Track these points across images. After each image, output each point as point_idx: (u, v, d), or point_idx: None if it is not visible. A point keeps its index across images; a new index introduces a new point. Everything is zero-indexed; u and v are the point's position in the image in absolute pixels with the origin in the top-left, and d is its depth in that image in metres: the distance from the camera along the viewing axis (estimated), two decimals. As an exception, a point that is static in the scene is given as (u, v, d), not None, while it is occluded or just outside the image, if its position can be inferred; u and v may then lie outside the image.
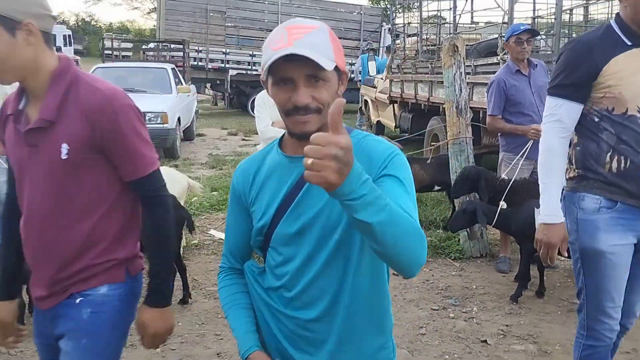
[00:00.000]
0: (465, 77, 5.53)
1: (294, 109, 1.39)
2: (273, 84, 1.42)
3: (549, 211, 2.44)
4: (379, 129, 12.03)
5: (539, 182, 2.48)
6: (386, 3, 26.81)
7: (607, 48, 2.30)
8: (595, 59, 2.30)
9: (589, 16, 8.77)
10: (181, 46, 15.33)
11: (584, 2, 8.58)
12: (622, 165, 2.32)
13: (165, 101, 10.35)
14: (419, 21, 10.69)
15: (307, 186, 1.46)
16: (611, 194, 2.36)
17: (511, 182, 4.51)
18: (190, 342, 3.75)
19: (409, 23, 11.85)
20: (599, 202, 2.39)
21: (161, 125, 9.70)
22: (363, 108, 13.63)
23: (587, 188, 2.43)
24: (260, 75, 1.49)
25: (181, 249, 4.75)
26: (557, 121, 2.41)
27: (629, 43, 2.28)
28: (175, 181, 5.04)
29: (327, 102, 1.39)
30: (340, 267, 1.48)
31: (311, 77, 1.37)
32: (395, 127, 10.84)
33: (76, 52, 32.53)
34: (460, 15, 9.30)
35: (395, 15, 14.56)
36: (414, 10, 12.98)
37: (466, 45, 6.67)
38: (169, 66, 12.09)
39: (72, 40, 32.44)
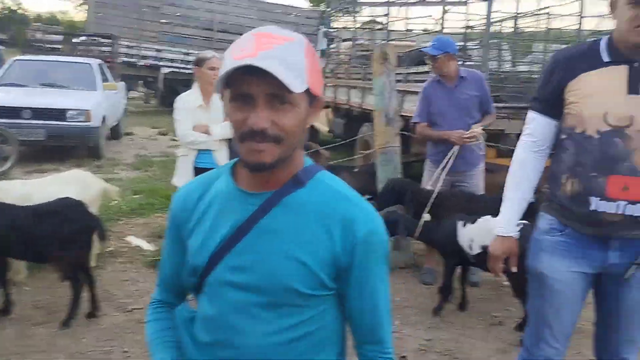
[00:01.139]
0: (396, 86, 5.47)
1: (249, 133, 1.15)
2: (230, 99, 1.18)
3: (501, 223, 2.40)
4: (312, 132, 11.93)
5: (503, 195, 2.40)
6: (325, 6, 26.82)
7: (581, 62, 2.16)
8: (565, 73, 2.19)
9: (518, 28, 8.99)
10: (110, 41, 14.76)
11: (514, 14, 8.81)
12: (575, 188, 2.17)
13: (89, 98, 9.90)
14: (353, 26, 10.69)
15: (258, 230, 1.24)
16: (563, 217, 2.25)
17: (435, 194, 4.45)
18: (93, 361, 3.49)
19: (344, 27, 11.83)
20: (551, 224, 2.30)
21: (84, 123, 9.32)
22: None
23: (546, 207, 2.35)
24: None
25: (91, 259, 4.44)
26: (528, 135, 2.35)
27: (607, 60, 2.11)
28: (88, 186, 4.76)
29: (291, 130, 1.17)
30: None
31: (275, 98, 1.14)
32: (329, 131, 10.78)
33: (0, 41, 30.98)
34: (394, 22, 9.33)
35: (332, 19, 14.53)
36: (352, 14, 12.99)
37: (399, 53, 6.64)
38: (94, 61, 11.55)
39: (-4, 30, 30.96)
